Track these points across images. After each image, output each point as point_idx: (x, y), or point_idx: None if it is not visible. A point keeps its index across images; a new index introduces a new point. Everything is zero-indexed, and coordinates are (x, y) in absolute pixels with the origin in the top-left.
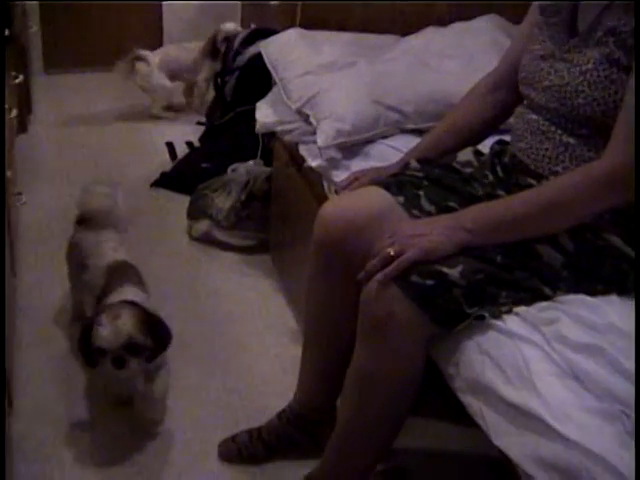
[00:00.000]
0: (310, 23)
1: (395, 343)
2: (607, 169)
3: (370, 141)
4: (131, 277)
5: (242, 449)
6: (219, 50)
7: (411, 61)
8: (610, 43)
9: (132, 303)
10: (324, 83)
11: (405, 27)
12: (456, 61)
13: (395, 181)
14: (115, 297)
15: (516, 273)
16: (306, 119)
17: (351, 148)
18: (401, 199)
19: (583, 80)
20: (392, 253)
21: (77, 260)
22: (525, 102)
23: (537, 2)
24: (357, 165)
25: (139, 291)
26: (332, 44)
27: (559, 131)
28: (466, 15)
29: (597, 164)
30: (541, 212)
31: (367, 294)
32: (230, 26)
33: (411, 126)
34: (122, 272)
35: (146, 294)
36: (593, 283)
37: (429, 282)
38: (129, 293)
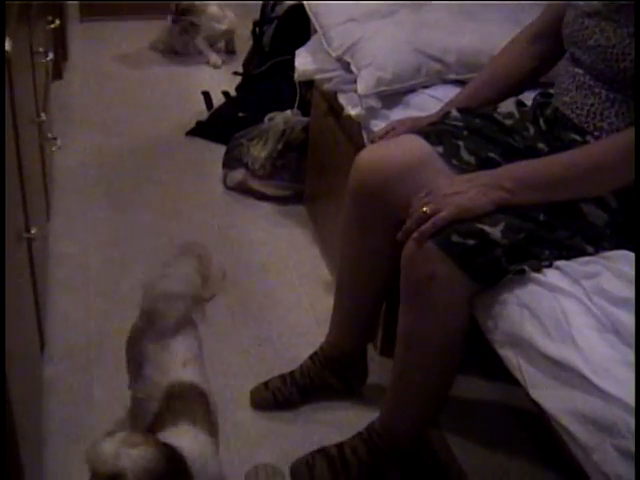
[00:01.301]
0: None
1: (438, 303)
2: None
3: (411, 90)
4: (193, 412)
5: (276, 394)
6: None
7: (454, 10)
8: None
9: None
10: (366, 31)
11: None
12: (502, 10)
13: (434, 130)
14: (164, 437)
15: (559, 232)
16: (346, 67)
17: (391, 97)
18: (440, 149)
19: (630, 42)
20: (428, 211)
21: (135, 361)
22: (569, 56)
23: None
24: (397, 115)
25: (197, 434)
26: None
27: (605, 87)
28: None
29: None
30: (582, 176)
31: (407, 254)
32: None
33: (453, 76)
34: (183, 402)
35: (207, 437)
36: (636, 242)
37: (470, 242)
38: (182, 438)
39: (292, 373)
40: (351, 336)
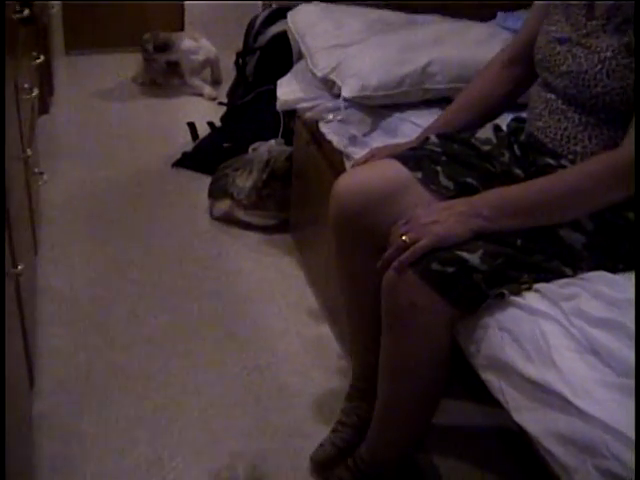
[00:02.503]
0: None
1: (420, 331)
2: (626, 158)
3: (391, 115)
4: None
5: (335, 442)
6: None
7: (438, 32)
8: (629, 32)
9: None
10: (351, 52)
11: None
12: (484, 28)
13: (413, 156)
14: None
15: (536, 256)
16: (330, 89)
17: (372, 122)
18: (419, 174)
19: (602, 68)
20: (407, 240)
21: None
22: (541, 81)
23: None
24: (378, 143)
25: None
26: (357, 19)
27: (577, 111)
28: None
29: (616, 154)
30: (558, 201)
31: (387, 284)
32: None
33: (436, 86)
34: None
35: None
36: (614, 262)
37: (449, 269)
38: None
39: (338, 421)
40: (374, 363)
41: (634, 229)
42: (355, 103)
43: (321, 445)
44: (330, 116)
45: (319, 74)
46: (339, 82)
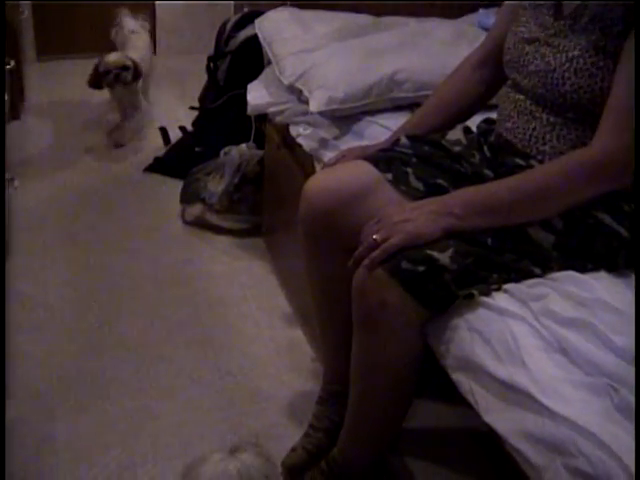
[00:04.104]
0: (300, 1)
1: (390, 330)
2: (596, 157)
3: (361, 118)
4: None
5: (307, 447)
6: (102, 81)
7: (404, 35)
8: (597, 30)
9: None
10: (317, 58)
11: (396, 7)
12: (449, 31)
13: (384, 157)
14: None
15: (506, 255)
16: (299, 95)
17: (342, 126)
18: (389, 176)
19: (570, 67)
20: (378, 239)
21: None
22: (510, 82)
23: None
24: (348, 145)
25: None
26: (325, 24)
27: (546, 111)
28: None
29: (585, 152)
30: (529, 199)
31: (357, 282)
32: (112, 56)
33: (403, 94)
34: None
35: None
36: (583, 262)
37: (420, 268)
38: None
39: (310, 425)
40: (346, 364)
41: (604, 229)
42: (323, 115)
43: (293, 450)
44: (300, 129)
45: (285, 82)
46: (306, 92)
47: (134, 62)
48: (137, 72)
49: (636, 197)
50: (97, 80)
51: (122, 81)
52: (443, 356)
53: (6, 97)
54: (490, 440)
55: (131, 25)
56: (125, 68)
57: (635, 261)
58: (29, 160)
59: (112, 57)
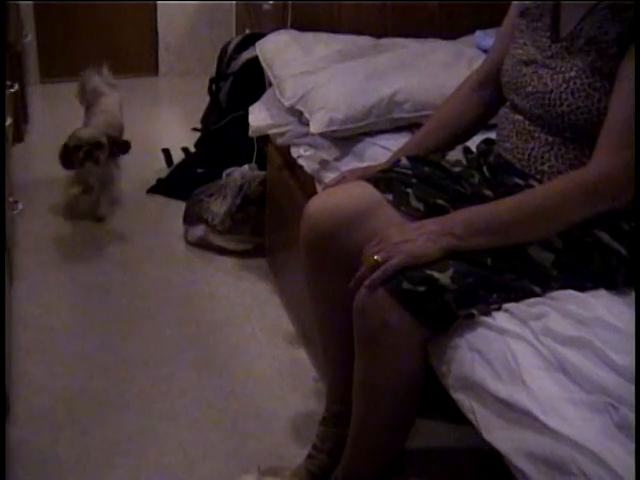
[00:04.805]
0: (301, 24)
1: (392, 351)
2: (594, 177)
3: (361, 139)
4: None
5: (310, 469)
6: (73, 160)
7: (404, 56)
8: (593, 52)
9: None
10: (318, 80)
11: (395, 28)
12: (448, 52)
13: (384, 178)
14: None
15: (506, 275)
16: (299, 117)
17: (343, 148)
18: (390, 196)
19: (567, 88)
20: (379, 260)
21: None
22: (509, 103)
23: (517, 2)
24: (349, 167)
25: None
26: (325, 46)
27: (544, 131)
28: (457, 14)
29: (584, 171)
30: (528, 219)
31: (358, 303)
32: (85, 132)
33: (404, 115)
34: None
35: None
36: (583, 280)
37: (420, 288)
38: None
39: (313, 446)
40: (348, 385)
41: (603, 248)
42: (323, 136)
43: (295, 475)
44: (301, 150)
45: (286, 103)
46: (306, 114)
47: (111, 138)
48: (113, 150)
49: (636, 215)
50: (67, 157)
51: (94, 160)
52: (444, 375)
53: (10, 120)
54: (493, 459)
55: (98, 84)
56: (98, 145)
57: (635, 279)
58: (33, 183)
59: (84, 132)
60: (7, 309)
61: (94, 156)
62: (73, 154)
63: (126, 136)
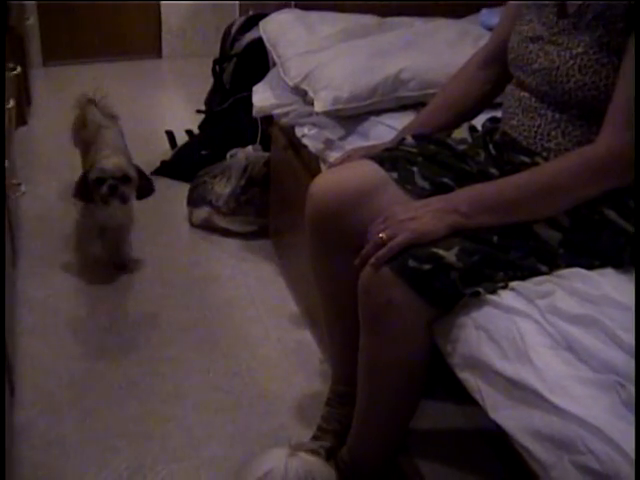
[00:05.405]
0: (305, 3)
1: (397, 329)
2: (602, 154)
3: (367, 118)
4: None
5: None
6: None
7: (409, 35)
8: (600, 27)
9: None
10: (322, 59)
11: (400, 7)
12: (454, 31)
13: (389, 156)
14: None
15: (512, 253)
16: (304, 96)
17: (348, 126)
18: (395, 175)
19: (574, 64)
20: (384, 237)
21: None
22: (515, 81)
23: None
24: (353, 146)
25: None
26: (330, 25)
27: (550, 108)
28: None
29: (591, 148)
30: (535, 197)
31: (363, 281)
32: (109, 161)
33: (409, 94)
34: None
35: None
36: (590, 259)
37: (426, 266)
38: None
39: (318, 427)
40: (353, 365)
41: (611, 225)
42: (328, 115)
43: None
44: (305, 129)
45: (290, 83)
46: (311, 93)
47: (138, 170)
48: (143, 186)
49: (636, 195)
50: (85, 191)
51: (120, 197)
52: (450, 355)
53: (13, 103)
54: (499, 439)
55: (97, 118)
56: (126, 179)
57: (636, 258)
58: (36, 165)
59: (109, 162)
60: (11, 292)
61: (120, 192)
62: (94, 189)
63: (127, 120)
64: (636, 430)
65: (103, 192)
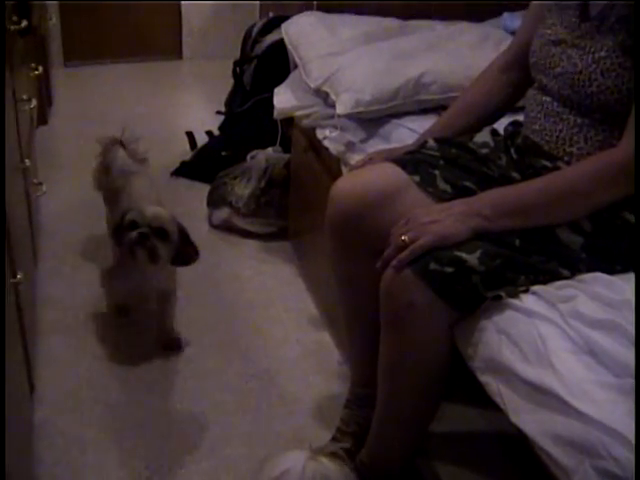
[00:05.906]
0: (326, 6)
1: (418, 332)
2: (623, 158)
3: (388, 121)
4: None
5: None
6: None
7: (430, 38)
8: (623, 31)
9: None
10: (344, 61)
11: (422, 10)
12: (475, 34)
13: (411, 159)
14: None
15: (534, 257)
16: (325, 98)
17: (369, 128)
18: (417, 178)
19: (596, 68)
20: (406, 240)
21: None
22: (537, 85)
23: None
24: (375, 149)
25: None
26: (351, 27)
27: (573, 113)
28: None
29: (613, 153)
30: (556, 201)
31: (385, 284)
32: (151, 209)
33: (430, 97)
34: None
35: None
36: (612, 263)
37: (448, 269)
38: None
39: (338, 429)
40: (373, 368)
41: (632, 229)
42: (350, 117)
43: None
44: (327, 132)
45: (312, 85)
46: (332, 95)
47: (181, 230)
48: (184, 251)
49: (636, 202)
50: (119, 233)
51: (149, 252)
52: (471, 358)
53: (34, 102)
54: (519, 443)
55: (125, 162)
56: (162, 234)
57: (634, 263)
58: (56, 165)
59: (150, 209)
60: (31, 290)
61: (150, 245)
62: (124, 233)
63: (148, 121)
64: (636, 430)
65: (132, 238)
